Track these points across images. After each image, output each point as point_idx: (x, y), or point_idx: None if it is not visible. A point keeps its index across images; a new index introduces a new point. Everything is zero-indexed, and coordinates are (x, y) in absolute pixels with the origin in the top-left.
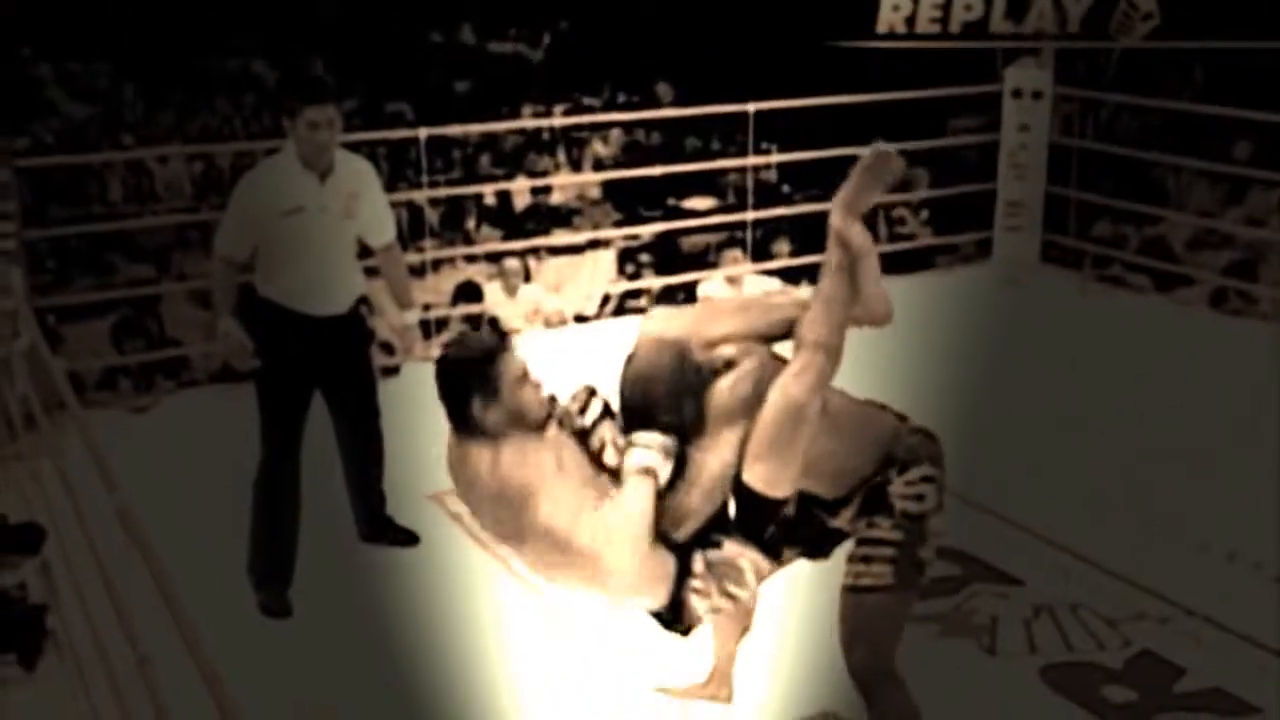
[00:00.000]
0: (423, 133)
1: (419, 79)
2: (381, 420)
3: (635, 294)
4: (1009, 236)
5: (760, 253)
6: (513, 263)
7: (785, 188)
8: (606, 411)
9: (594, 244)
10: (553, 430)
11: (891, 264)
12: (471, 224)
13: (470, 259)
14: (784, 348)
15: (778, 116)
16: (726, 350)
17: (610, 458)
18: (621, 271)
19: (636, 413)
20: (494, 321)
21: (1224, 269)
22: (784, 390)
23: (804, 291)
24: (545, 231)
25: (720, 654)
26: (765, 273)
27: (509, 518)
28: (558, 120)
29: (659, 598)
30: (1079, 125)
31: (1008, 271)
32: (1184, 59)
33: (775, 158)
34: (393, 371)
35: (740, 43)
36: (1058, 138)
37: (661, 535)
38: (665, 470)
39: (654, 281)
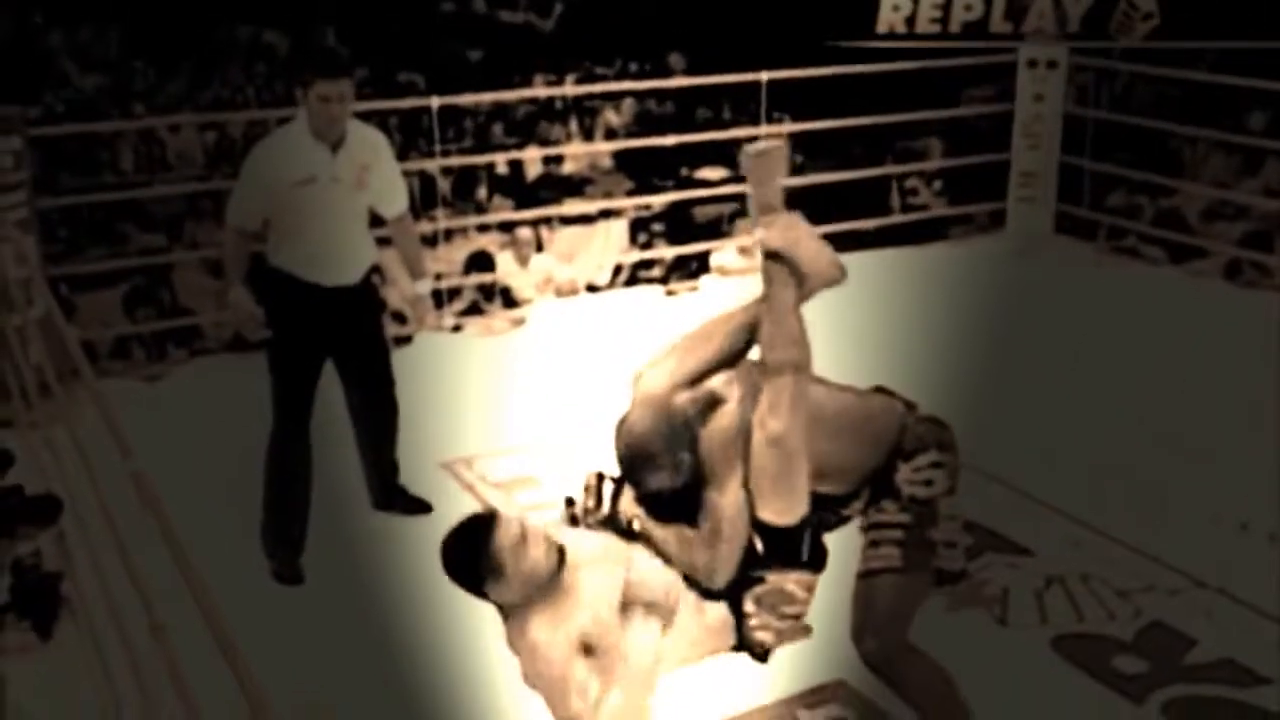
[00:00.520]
0: (435, 102)
1: (431, 48)
2: (396, 389)
3: (647, 264)
4: (1023, 207)
5: None
6: (525, 232)
7: (798, 158)
8: (619, 487)
9: (606, 214)
10: (571, 577)
11: (905, 235)
12: (483, 193)
13: (482, 228)
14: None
15: (790, 86)
16: (711, 384)
17: (638, 525)
18: (634, 241)
19: (636, 475)
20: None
21: (1239, 240)
22: (763, 428)
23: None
24: (557, 201)
25: None
26: None
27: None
28: (570, 90)
29: (727, 645)
30: (1094, 95)
31: (1021, 242)
32: None
33: (788, 127)
34: (405, 341)
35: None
36: (1072, 108)
37: (704, 593)
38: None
39: (666, 251)
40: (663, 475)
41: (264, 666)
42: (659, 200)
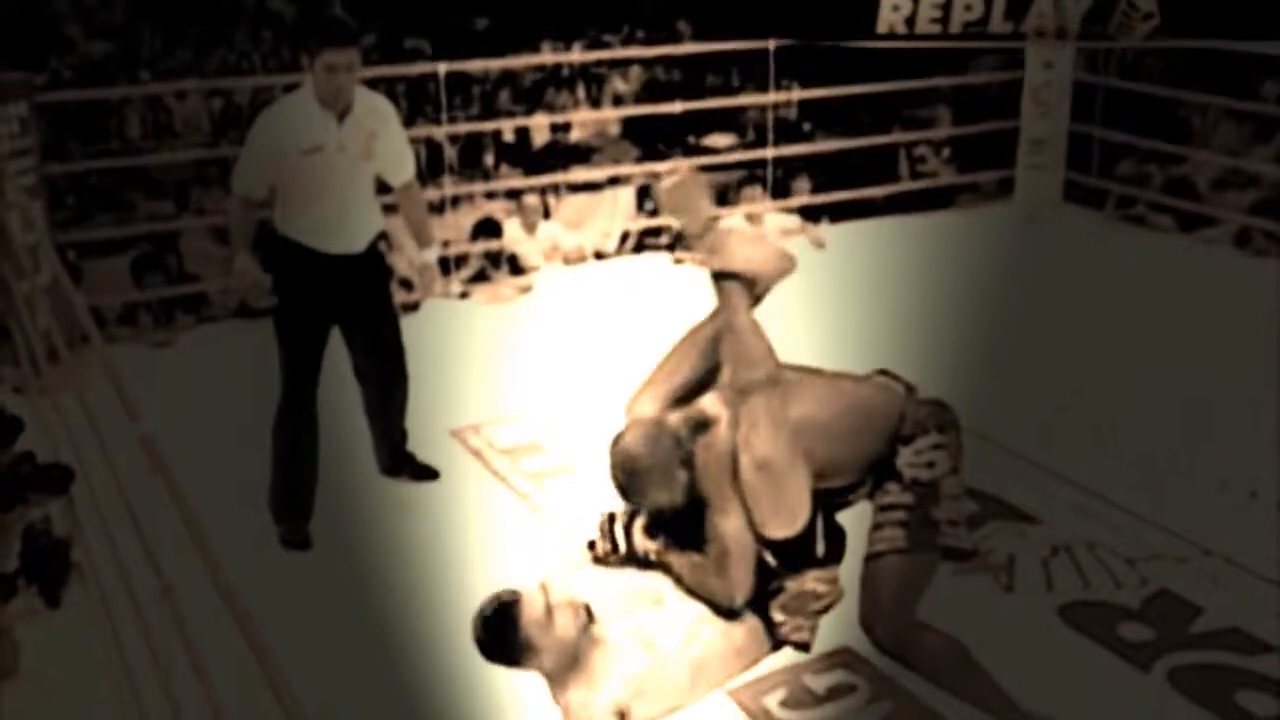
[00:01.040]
0: (442, 68)
1: (438, 14)
2: (405, 357)
3: (654, 231)
4: (1031, 175)
5: (780, 190)
6: (532, 199)
7: (806, 125)
8: (630, 522)
9: (613, 181)
10: (592, 645)
11: (913, 202)
12: (490, 160)
13: (490, 195)
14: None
15: (798, 53)
16: (701, 404)
17: (654, 556)
18: (641, 209)
19: (634, 494)
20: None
21: (1249, 208)
22: (747, 451)
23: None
24: (564, 168)
25: None
26: (785, 210)
27: None
28: (577, 56)
29: (765, 651)
30: (1103, 62)
31: (1030, 210)
32: None
33: (796, 94)
34: (412, 308)
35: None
36: (1082, 75)
37: (727, 613)
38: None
39: (673, 219)
40: (660, 492)
41: (271, 630)
42: (666, 168)
